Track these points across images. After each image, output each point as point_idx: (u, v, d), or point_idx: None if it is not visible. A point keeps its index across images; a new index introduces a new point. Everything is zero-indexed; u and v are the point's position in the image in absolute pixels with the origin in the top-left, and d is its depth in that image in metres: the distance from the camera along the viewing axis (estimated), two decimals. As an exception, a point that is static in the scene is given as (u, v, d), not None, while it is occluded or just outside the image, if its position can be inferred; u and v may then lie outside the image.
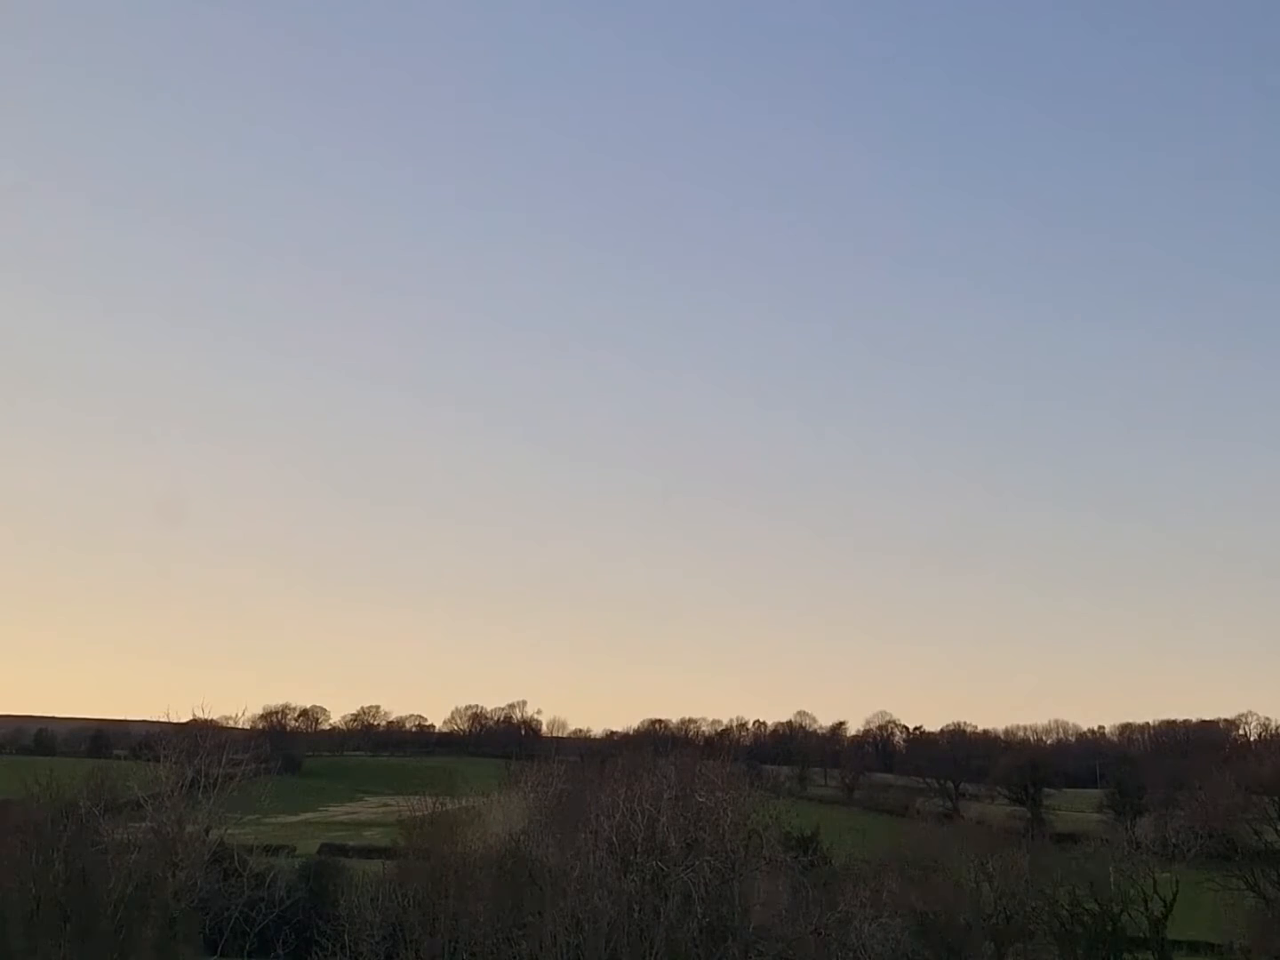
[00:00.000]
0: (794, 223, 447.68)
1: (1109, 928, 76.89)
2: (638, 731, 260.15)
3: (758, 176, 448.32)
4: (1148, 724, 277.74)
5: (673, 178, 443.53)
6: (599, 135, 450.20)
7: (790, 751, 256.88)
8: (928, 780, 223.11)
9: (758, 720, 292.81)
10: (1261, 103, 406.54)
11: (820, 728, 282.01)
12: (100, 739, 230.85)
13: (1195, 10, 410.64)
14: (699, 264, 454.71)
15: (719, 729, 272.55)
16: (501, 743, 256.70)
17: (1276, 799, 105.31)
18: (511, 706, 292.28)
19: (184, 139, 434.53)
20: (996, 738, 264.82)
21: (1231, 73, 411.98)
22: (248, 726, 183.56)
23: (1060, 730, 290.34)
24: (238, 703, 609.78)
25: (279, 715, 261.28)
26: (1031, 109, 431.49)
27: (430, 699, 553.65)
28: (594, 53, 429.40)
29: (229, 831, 62.67)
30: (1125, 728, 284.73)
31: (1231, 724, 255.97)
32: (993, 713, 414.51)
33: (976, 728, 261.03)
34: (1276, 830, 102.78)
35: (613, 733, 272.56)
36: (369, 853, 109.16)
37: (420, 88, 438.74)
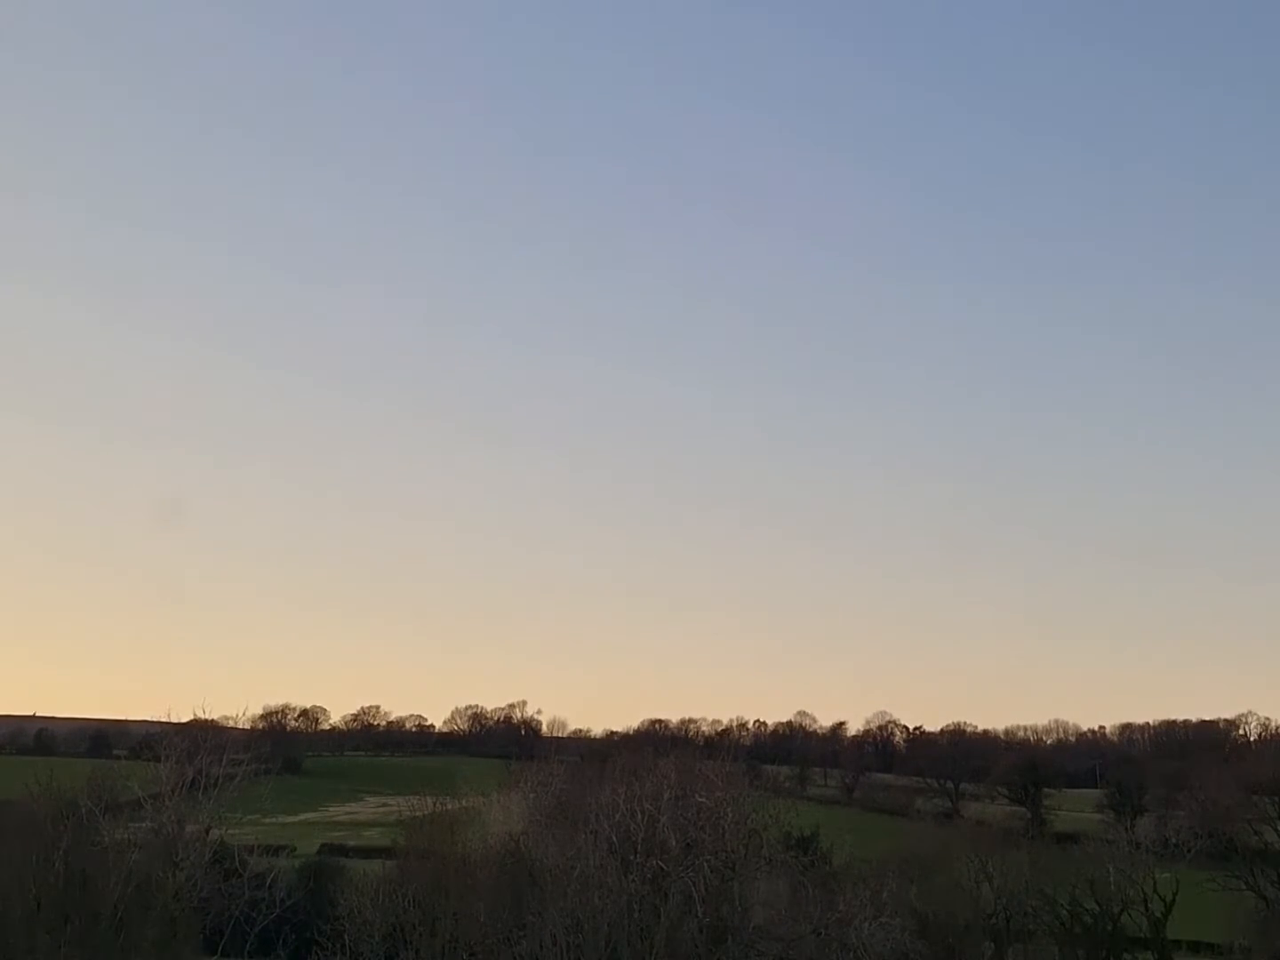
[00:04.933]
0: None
1: (1109, 928, 76.89)
2: (638, 731, 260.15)
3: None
4: (1148, 724, 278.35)
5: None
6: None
7: (790, 751, 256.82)
8: (928, 780, 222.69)
9: (758, 720, 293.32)
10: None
11: (820, 728, 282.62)
12: (100, 739, 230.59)
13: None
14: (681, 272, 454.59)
15: (719, 729, 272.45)
16: (501, 743, 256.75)
17: (1276, 799, 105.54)
18: (511, 706, 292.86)
19: (185, 140, 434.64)
20: (996, 738, 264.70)
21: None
22: (248, 726, 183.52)
23: (1060, 730, 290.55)
24: (238, 703, 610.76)
25: (279, 715, 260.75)
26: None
27: (430, 699, 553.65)
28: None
29: (229, 831, 62.48)
30: (1125, 728, 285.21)
31: (1231, 724, 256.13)
32: (993, 713, 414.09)
33: (976, 728, 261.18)
34: (1276, 830, 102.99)
35: (613, 733, 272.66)
36: (369, 853, 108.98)
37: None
